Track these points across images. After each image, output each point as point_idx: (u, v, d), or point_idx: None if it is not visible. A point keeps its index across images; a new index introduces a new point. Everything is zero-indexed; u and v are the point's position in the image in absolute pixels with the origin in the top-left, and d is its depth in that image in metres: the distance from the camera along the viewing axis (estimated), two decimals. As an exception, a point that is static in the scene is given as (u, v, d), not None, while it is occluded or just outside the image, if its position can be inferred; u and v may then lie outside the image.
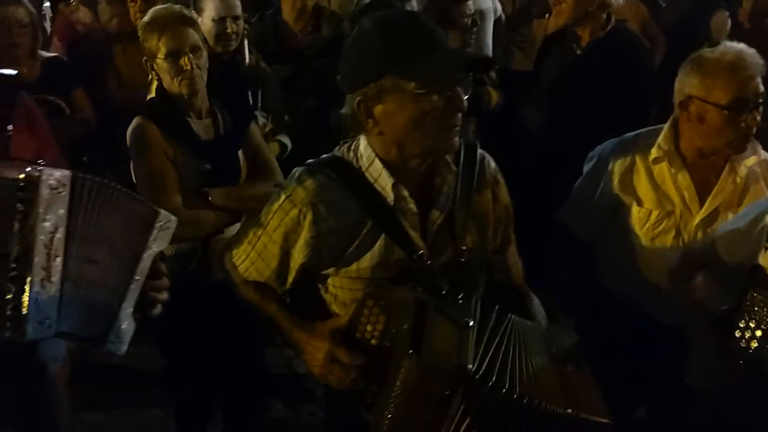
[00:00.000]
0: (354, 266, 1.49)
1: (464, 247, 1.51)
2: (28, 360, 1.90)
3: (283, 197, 1.51)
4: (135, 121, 2.20)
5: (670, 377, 2.11)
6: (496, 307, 1.46)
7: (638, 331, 2.08)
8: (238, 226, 2.17)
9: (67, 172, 1.54)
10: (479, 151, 1.58)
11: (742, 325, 1.72)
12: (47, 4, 4.43)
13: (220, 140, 2.27)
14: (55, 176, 1.50)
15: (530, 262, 1.77)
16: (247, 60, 2.87)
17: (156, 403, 2.92)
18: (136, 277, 1.61)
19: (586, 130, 2.57)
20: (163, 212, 1.62)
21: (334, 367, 1.42)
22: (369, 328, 1.41)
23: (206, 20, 2.63)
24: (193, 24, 2.23)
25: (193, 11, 2.47)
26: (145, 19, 2.23)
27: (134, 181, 2.24)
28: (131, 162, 2.26)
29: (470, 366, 1.33)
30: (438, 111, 1.36)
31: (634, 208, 2.08)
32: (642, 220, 2.07)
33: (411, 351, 1.33)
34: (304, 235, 1.48)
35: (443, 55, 1.38)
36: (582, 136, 2.45)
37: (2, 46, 2.82)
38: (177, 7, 2.28)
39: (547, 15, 4.19)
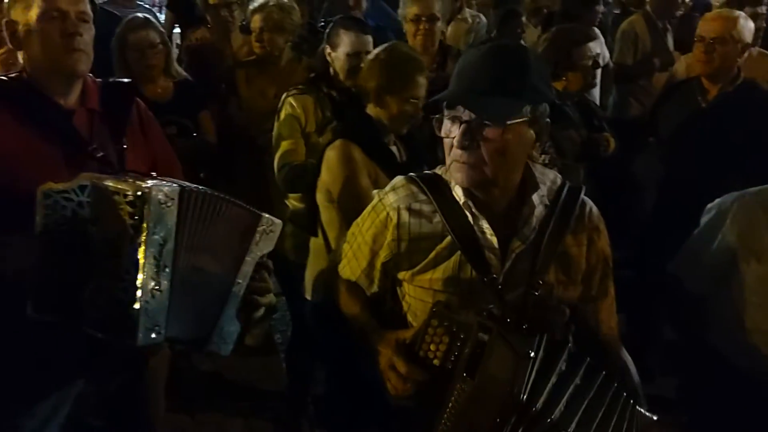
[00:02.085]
0: (428, 275, 1.52)
1: (540, 281, 1.48)
2: (131, 355, 1.96)
3: (376, 200, 1.61)
4: (339, 143, 2.28)
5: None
6: (569, 345, 1.41)
7: (749, 395, 1.93)
8: None
9: (175, 186, 1.61)
10: (583, 196, 1.57)
11: None
12: (177, 30, 4.74)
13: (407, 164, 2.35)
14: (163, 190, 1.56)
15: (634, 316, 1.69)
16: None
17: (240, 414, 2.98)
18: (239, 281, 1.67)
19: (705, 182, 2.49)
20: (266, 216, 1.68)
21: (392, 374, 1.44)
22: (432, 347, 1.41)
23: (340, 55, 2.72)
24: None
25: None
26: (382, 56, 2.34)
27: (332, 199, 2.29)
28: (318, 180, 2.33)
29: (523, 396, 1.31)
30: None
31: (754, 265, 1.96)
32: (762, 277, 1.95)
33: (465, 374, 1.34)
34: (388, 237, 1.55)
35: None
36: (700, 187, 2.35)
37: (138, 68, 3.03)
38: (411, 51, 2.43)
39: (668, 68, 4.08)
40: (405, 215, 1.53)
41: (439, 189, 1.53)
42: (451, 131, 1.43)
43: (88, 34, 1.78)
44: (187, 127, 3.14)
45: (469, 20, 4.53)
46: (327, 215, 2.32)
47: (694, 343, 2.19)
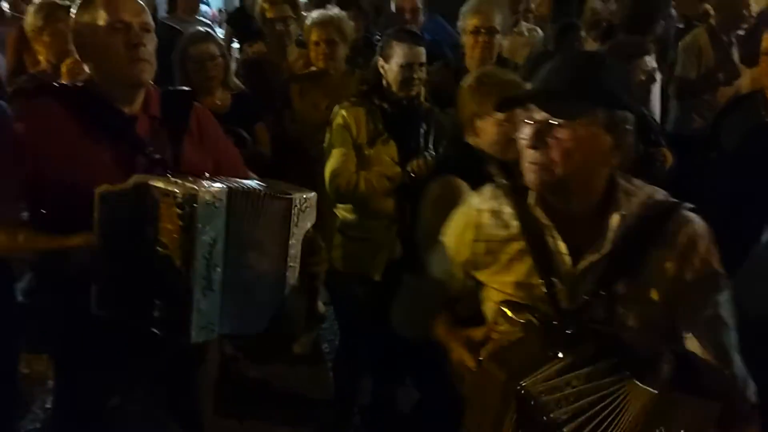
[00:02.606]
0: (502, 278, 1.54)
1: (603, 293, 1.43)
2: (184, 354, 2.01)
3: (464, 202, 1.67)
4: (445, 179, 2.20)
5: None
6: (616, 364, 1.36)
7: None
8: None
9: (223, 186, 1.65)
10: (684, 212, 1.47)
11: None
12: (236, 45, 4.87)
13: None
14: (211, 191, 1.61)
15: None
16: (426, 105, 2.89)
17: (287, 422, 3.00)
18: (290, 264, 1.72)
19: (768, 197, 2.37)
20: (295, 196, 1.71)
21: (463, 369, 1.51)
22: None
23: (393, 66, 2.74)
24: None
25: None
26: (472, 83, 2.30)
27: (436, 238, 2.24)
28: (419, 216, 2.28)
29: (522, 384, 1.33)
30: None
31: None
32: None
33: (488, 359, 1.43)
34: (469, 237, 1.59)
35: None
36: (763, 203, 2.25)
37: (198, 79, 3.12)
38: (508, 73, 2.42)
39: (733, 82, 3.95)
40: (486, 216, 1.57)
41: (519, 194, 1.55)
42: (525, 132, 1.44)
43: (150, 45, 1.84)
44: (244, 137, 3.19)
45: (526, 34, 4.49)
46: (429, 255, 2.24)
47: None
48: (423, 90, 2.90)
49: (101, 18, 1.79)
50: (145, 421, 2.05)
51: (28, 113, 1.87)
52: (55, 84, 1.95)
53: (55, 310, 1.98)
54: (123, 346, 1.81)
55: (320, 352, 3.63)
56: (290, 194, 1.72)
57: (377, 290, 2.81)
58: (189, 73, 3.13)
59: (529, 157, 1.42)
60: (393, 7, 4.19)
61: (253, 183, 1.79)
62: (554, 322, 1.40)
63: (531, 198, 1.51)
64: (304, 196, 1.74)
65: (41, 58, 3.21)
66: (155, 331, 1.69)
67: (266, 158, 3.28)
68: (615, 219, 1.44)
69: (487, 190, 1.62)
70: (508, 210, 1.54)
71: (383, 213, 2.78)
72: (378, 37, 3.45)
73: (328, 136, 2.84)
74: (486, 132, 2.20)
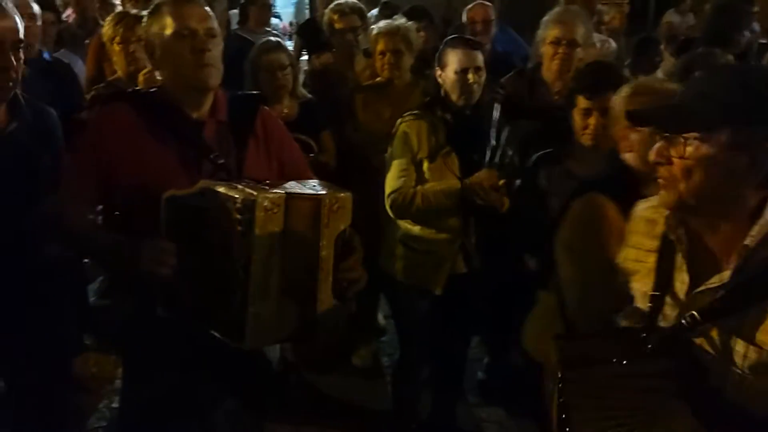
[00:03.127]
0: (638, 286, 1.52)
1: (692, 319, 1.33)
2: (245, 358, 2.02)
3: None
4: (589, 198, 1.99)
5: None
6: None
7: None
8: None
9: (282, 193, 1.65)
10: None
11: None
12: (304, 57, 4.93)
13: None
14: (270, 197, 1.61)
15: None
16: (496, 116, 2.79)
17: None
18: (323, 267, 1.67)
19: None
20: (325, 196, 1.66)
21: None
22: None
23: (450, 74, 2.70)
24: None
25: None
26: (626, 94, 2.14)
27: (575, 258, 2.05)
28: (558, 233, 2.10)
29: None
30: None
31: None
32: None
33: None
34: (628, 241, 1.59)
35: None
36: None
37: (268, 88, 3.16)
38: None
39: None
40: (641, 225, 1.55)
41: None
42: (653, 148, 1.40)
43: (216, 50, 1.87)
44: (310, 145, 3.22)
45: (598, 45, 4.38)
46: (568, 273, 2.03)
47: None
48: (498, 105, 2.83)
49: (169, 25, 1.83)
50: (203, 422, 2.07)
51: (102, 118, 1.93)
52: (127, 90, 2.00)
53: (125, 311, 2.02)
54: (188, 348, 1.84)
55: (380, 365, 3.60)
56: (319, 194, 1.69)
57: (438, 304, 2.78)
58: (260, 81, 3.18)
59: (657, 173, 1.38)
60: (464, 18, 4.14)
61: (310, 186, 1.77)
62: (642, 335, 1.37)
63: (674, 214, 1.43)
64: (336, 196, 1.69)
65: (117, 67, 3.31)
66: (215, 334, 1.70)
67: (328, 166, 3.29)
68: (743, 248, 1.32)
69: (654, 198, 1.54)
70: (661, 222, 1.48)
71: (447, 227, 2.73)
72: None
73: (390, 149, 2.81)
74: (638, 146, 1.94)
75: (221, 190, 1.63)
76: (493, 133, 2.75)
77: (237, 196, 1.60)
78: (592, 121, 2.29)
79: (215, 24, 1.89)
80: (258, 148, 1.97)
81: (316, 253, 1.65)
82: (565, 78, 2.87)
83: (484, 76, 2.75)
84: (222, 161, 1.85)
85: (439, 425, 3.05)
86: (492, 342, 3.47)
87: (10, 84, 1.96)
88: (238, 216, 1.59)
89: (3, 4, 1.96)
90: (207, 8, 1.90)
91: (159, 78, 2.89)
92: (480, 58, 2.72)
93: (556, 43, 2.92)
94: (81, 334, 3.34)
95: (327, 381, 3.30)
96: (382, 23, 3.44)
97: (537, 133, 2.67)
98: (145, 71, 3.05)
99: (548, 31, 2.97)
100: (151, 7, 1.92)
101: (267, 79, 3.17)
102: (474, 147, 2.72)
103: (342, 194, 1.70)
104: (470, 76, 2.67)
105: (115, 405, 3.19)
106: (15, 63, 1.94)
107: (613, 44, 4.35)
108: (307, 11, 8.60)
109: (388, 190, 2.72)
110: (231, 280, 1.63)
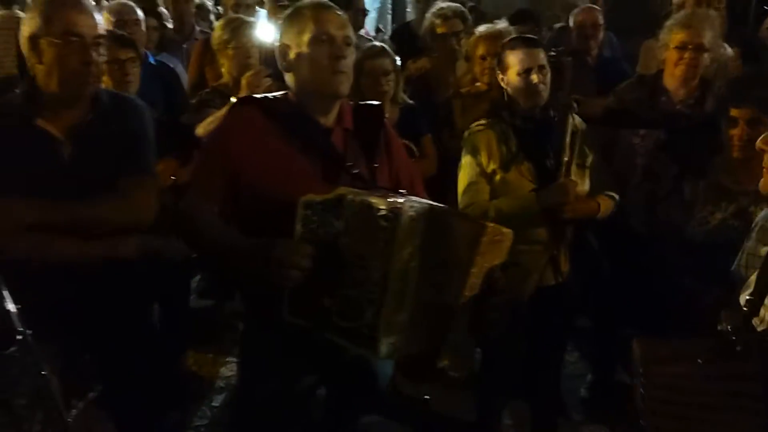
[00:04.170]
0: None
1: None
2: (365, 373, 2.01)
3: None
4: None
5: None
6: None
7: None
8: None
9: (425, 203, 1.63)
10: None
11: None
12: (398, 62, 4.92)
13: None
14: (415, 207, 1.58)
15: None
16: (571, 123, 2.64)
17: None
18: (466, 293, 1.64)
19: None
20: (491, 226, 1.64)
21: None
22: None
23: (512, 76, 2.58)
24: None
25: None
26: None
27: None
28: None
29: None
30: None
31: None
32: None
33: None
34: None
35: None
36: None
37: (370, 93, 3.15)
38: None
39: None
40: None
41: None
42: None
43: (350, 58, 1.87)
44: (411, 149, 3.20)
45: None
46: None
47: None
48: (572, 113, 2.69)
49: (308, 30, 1.83)
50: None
51: (233, 120, 1.93)
52: (258, 96, 2.02)
53: (226, 311, 2.03)
54: (308, 352, 1.84)
55: (474, 376, 3.53)
56: (484, 222, 1.67)
57: (524, 316, 2.66)
58: (362, 86, 3.16)
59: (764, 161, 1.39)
60: (571, 22, 4.02)
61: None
62: (733, 337, 1.37)
63: None
64: (500, 229, 1.67)
65: (224, 70, 3.36)
66: (344, 342, 1.67)
67: (433, 169, 3.25)
68: None
69: None
70: None
71: (534, 238, 2.60)
72: (553, 53, 3.30)
73: (461, 163, 2.69)
74: None
75: (363, 197, 1.61)
76: (566, 142, 2.59)
77: (381, 204, 1.57)
78: (737, 132, 2.17)
79: (352, 32, 1.89)
80: (383, 160, 1.97)
81: (464, 277, 1.62)
82: (691, 85, 2.74)
83: (548, 75, 2.61)
84: (357, 171, 1.86)
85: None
86: (595, 358, 3.36)
87: (90, 79, 1.99)
88: (383, 224, 1.56)
89: (83, 1, 1.99)
90: (344, 15, 1.90)
91: (266, 83, 2.92)
92: (542, 57, 2.59)
93: (682, 48, 2.79)
94: (182, 333, 3.42)
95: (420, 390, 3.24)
96: (483, 27, 3.37)
97: (666, 143, 2.55)
98: (248, 75, 3.08)
99: (672, 34, 2.84)
100: (290, 10, 1.92)
101: (370, 85, 3.15)
102: (546, 152, 2.58)
103: (506, 230, 1.66)
104: (534, 76, 2.54)
105: (215, 404, 3.24)
106: (95, 58, 1.97)
107: (729, 50, 4.16)
108: (389, 16, 8.59)
109: (460, 205, 2.62)
110: (367, 288, 1.60)
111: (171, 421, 2.94)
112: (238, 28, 3.28)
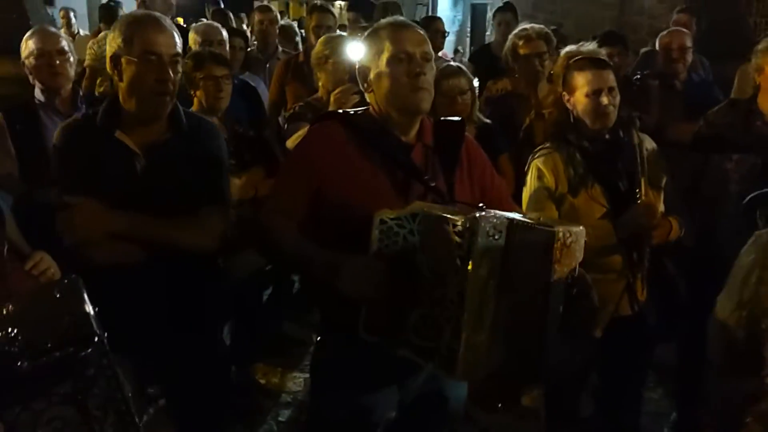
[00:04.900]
0: None
1: None
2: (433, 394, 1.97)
3: None
4: None
5: None
6: None
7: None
8: None
9: (504, 217, 1.57)
10: None
11: None
12: (476, 82, 4.89)
13: None
14: (492, 222, 1.53)
15: None
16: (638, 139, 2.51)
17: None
18: (553, 306, 1.59)
19: None
20: (559, 230, 1.57)
21: None
22: None
23: (580, 98, 2.46)
24: None
25: None
26: None
27: None
28: None
29: None
30: None
31: None
32: None
33: None
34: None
35: None
36: None
37: (445, 113, 3.10)
38: None
39: None
40: None
41: None
42: None
43: (430, 74, 1.86)
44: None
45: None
46: None
47: None
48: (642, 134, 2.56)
49: (386, 49, 1.84)
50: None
51: (315, 135, 1.94)
52: (341, 111, 2.04)
53: (321, 330, 2.03)
54: (378, 370, 1.82)
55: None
56: (552, 227, 1.59)
57: (596, 348, 2.53)
58: (437, 106, 3.13)
59: None
60: (657, 45, 3.89)
61: (529, 216, 1.68)
62: None
63: None
64: (570, 230, 1.60)
65: (320, 84, 3.44)
66: (419, 360, 1.63)
67: (509, 191, 3.18)
68: None
69: None
70: None
71: (609, 266, 2.46)
72: (638, 76, 3.18)
73: (525, 188, 2.57)
74: None
75: (438, 212, 1.57)
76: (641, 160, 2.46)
77: (457, 219, 1.53)
78: None
79: (430, 48, 1.89)
80: (462, 174, 1.94)
81: (545, 291, 1.55)
82: None
83: (618, 97, 2.48)
84: (434, 185, 1.83)
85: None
86: (680, 395, 3.18)
87: (168, 97, 2.03)
88: (457, 239, 1.52)
89: (162, 20, 2.04)
90: (422, 31, 1.89)
91: (352, 100, 2.96)
92: (612, 78, 2.47)
93: None
94: (251, 346, 3.46)
95: (491, 419, 3.15)
96: (569, 48, 3.28)
97: (762, 168, 2.40)
98: (337, 91, 3.11)
99: (767, 57, 2.70)
100: (368, 31, 1.94)
101: (445, 105, 3.11)
102: (619, 173, 2.45)
103: (576, 228, 1.59)
104: (604, 98, 2.42)
105: (282, 419, 3.24)
106: (173, 76, 2.01)
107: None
108: (468, 39, 8.59)
109: None
110: (444, 306, 1.55)
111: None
112: (339, 45, 3.34)
